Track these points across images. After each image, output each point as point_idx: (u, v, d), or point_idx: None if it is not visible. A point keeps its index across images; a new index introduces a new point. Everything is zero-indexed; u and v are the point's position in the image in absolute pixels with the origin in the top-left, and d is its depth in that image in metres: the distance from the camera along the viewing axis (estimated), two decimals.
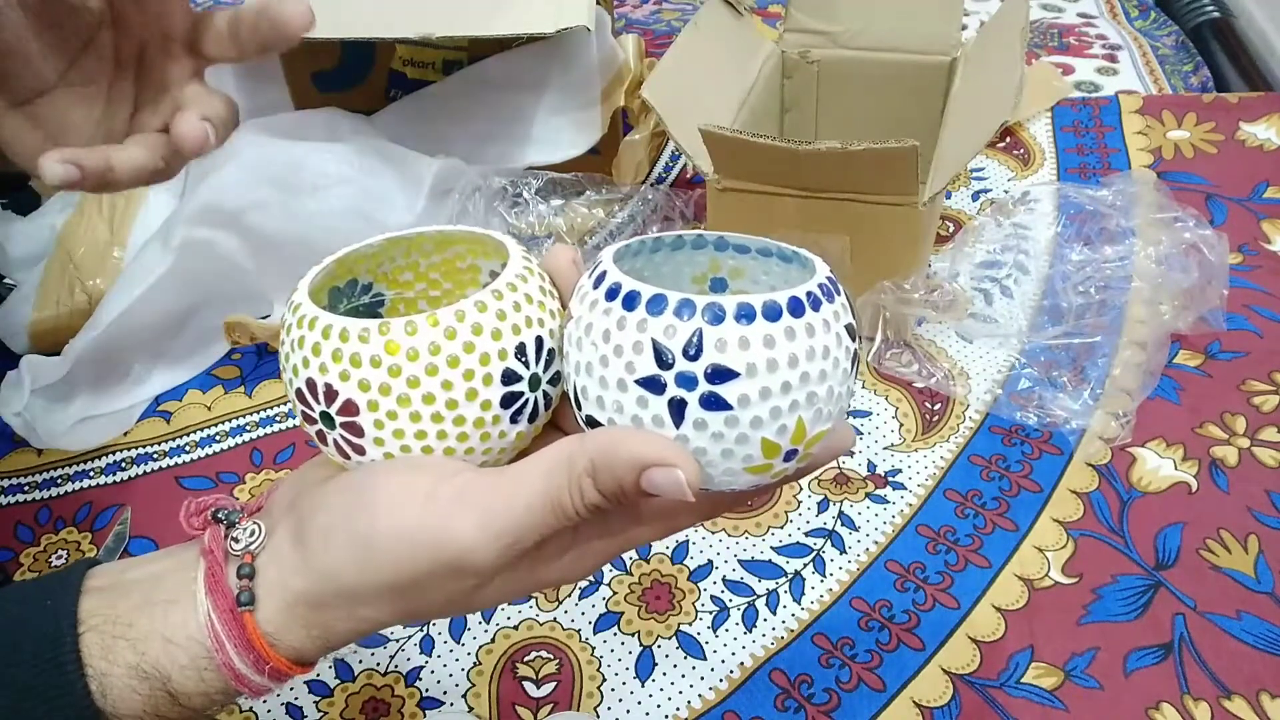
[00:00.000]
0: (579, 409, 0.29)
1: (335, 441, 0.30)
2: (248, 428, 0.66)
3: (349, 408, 0.29)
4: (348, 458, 0.30)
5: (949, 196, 0.84)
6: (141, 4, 0.40)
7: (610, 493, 0.27)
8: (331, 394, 0.29)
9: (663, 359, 0.26)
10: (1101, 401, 0.63)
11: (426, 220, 0.74)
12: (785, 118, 0.83)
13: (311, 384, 0.29)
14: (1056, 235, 0.76)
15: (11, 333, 0.68)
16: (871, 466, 0.61)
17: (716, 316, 0.26)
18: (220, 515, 0.32)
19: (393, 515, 0.28)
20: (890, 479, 0.60)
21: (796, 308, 0.27)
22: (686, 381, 0.26)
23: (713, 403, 0.26)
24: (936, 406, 0.65)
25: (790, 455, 0.28)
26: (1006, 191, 0.84)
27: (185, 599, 0.30)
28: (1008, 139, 0.90)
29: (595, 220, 0.81)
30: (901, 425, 0.64)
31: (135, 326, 0.66)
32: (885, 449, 0.62)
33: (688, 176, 0.87)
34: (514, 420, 0.30)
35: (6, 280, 0.71)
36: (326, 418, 0.29)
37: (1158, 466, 0.60)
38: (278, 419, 0.67)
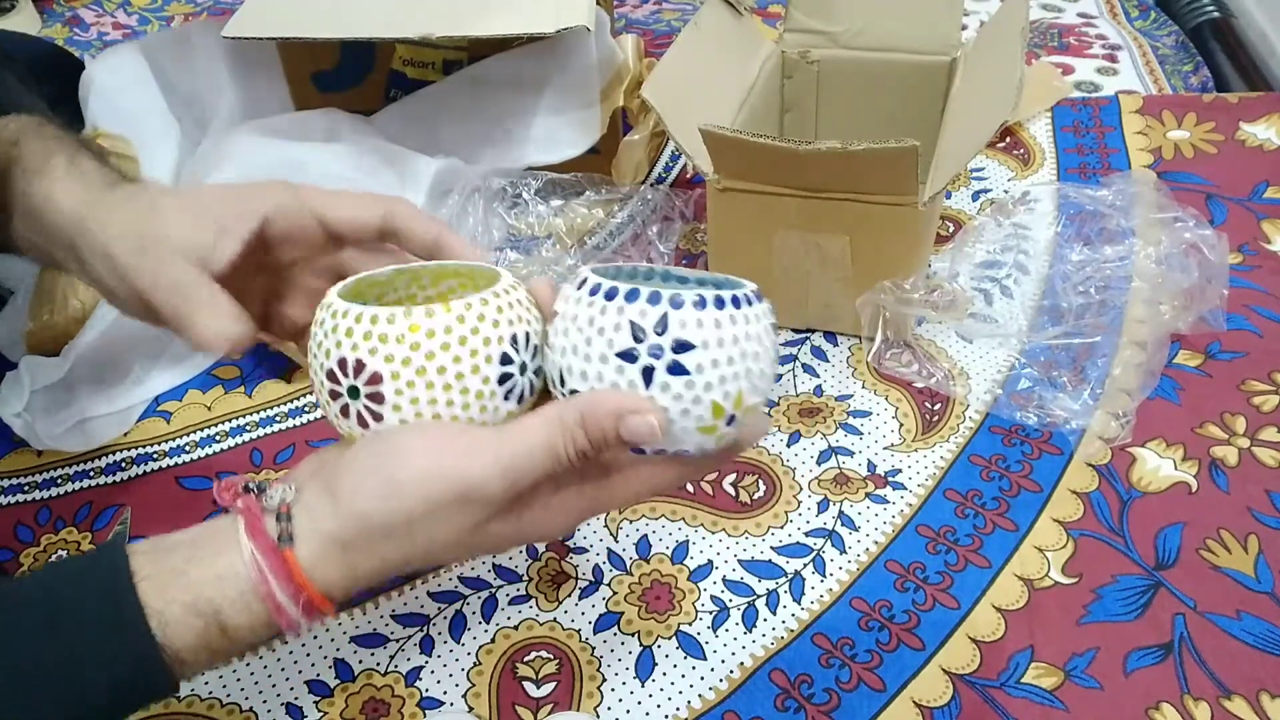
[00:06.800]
0: (563, 386, 0.35)
1: (358, 412, 0.35)
2: (247, 428, 0.66)
3: (375, 378, 0.34)
4: (366, 426, 0.35)
5: (949, 196, 0.84)
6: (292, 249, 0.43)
7: (596, 440, 0.33)
8: (360, 366, 0.34)
9: (637, 334, 0.33)
10: (1101, 401, 0.63)
11: None
12: (785, 118, 0.83)
13: (343, 361, 0.34)
14: (1056, 235, 0.76)
15: (9, 341, 0.68)
16: (871, 466, 0.61)
17: (678, 304, 0.33)
18: (251, 486, 0.35)
19: (420, 457, 0.33)
20: (890, 479, 0.60)
21: (737, 302, 0.34)
22: (655, 352, 0.33)
23: (676, 369, 0.33)
24: (936, 406, 0.65)
25: (730, 420, 0.34)
26: (1006, 191, 0.84)
27: (230, 547, 0.33)
28: (1008, 139, 0.90)
29: (595, 220, 0.81)
30: (901, 425, 0.64)
31: (135, 326, 0.65)
32: (885, 449, 0.62)
33: (688, 176, 0.87)
34: (506, 398, 0.36)
35: (3, 287, 0.71)
36: (353, 390, 0.35)
37: (1158, 466, 0.60)
38: (278, 419, 0.67)
